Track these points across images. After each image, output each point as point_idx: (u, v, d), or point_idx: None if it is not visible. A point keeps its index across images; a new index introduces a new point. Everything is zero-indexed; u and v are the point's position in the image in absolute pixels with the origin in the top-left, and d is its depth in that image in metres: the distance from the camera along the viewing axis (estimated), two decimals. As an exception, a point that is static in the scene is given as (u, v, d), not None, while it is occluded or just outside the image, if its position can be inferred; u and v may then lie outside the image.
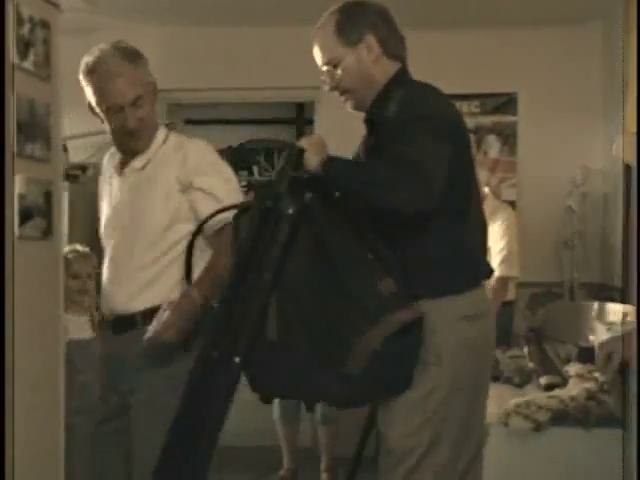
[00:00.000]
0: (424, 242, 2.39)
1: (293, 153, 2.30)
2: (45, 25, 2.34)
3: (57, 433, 2.52)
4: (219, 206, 2.51)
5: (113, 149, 2.73)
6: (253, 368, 2.25)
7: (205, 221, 2.50)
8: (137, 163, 2.72)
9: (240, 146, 9.95)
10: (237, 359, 2.20)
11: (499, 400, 3.33)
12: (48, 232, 2.37)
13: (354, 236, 2.37)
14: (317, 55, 2.52)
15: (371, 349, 2.19)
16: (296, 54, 6.01)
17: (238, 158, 9.90)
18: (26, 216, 2.25)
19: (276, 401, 4.78)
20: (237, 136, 9.93)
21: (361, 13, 2.51)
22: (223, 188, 2.63)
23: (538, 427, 2.97)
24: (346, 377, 2.22)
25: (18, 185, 2.21)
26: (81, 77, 2.72)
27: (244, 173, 9.81)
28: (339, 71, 2.49)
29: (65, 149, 4.21)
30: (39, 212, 2.31)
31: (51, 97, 2.39)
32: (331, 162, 2.30)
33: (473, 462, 2.40)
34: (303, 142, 2.31)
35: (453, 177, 2.29)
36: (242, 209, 2.40)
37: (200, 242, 2.55)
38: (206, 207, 2.55)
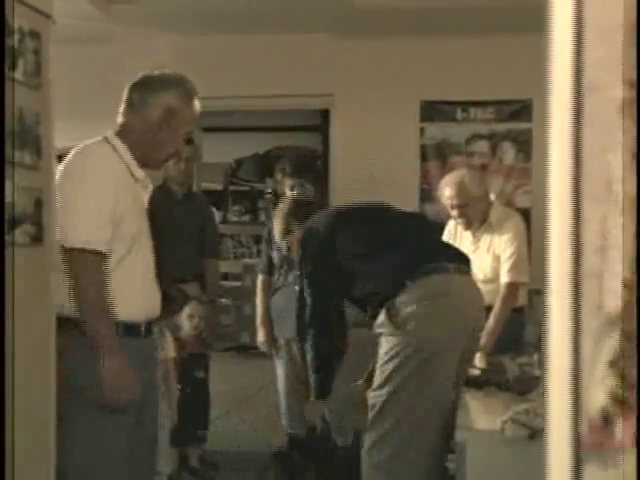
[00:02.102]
0: (386, 274, 3.31)
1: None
2: (35, 35, 2.38)
3: (48, 446, 2.54)
4: None
5: (125, 156, 2.87)
6: None
7: None
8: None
9: (266, 153, 10.01)
10: None
11: (501, 408, 3.31)
12: (38, 239, 2.41)
13: None
14: None
15: None
16: (311, 62, 6.10)
17: (264, 165, 9.95)
18: (15, 223, 2.29)
19: (282, 406, 4.82)
20: (263, 143, 9.97)
21: None
22: None
23: (533, 435, 2.95)
24: None
25: (6, 192, 2.24)
26: (181, 95, 2.94)
27: (270, 180, 9.84)
28: None
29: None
30: (28, 219, 2.35)
31: (42, 106, 2.42)
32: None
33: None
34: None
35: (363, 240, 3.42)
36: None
37: None
38: None
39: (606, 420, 0.95)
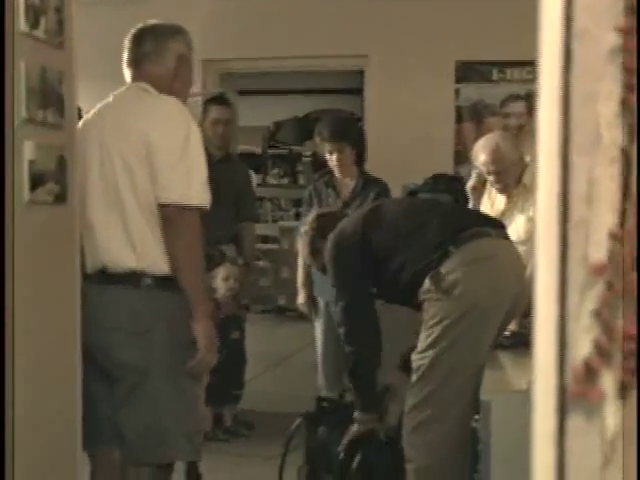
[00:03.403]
0: (429, 246, 3.28)
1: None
2: (57, -7, 2.39)
3: (73, 406, 2.58)
4: None
5: None
6: None
7: None
8: None
9: (305, 116, 9.98)
10: None
11: (528, 369, 3.30)
12: (61, 197, 2.43)
13: None
14: None
15: None
16: (344, 23, 6.05)
17: (303, 128, 9.93)
18: (37, 181, 2.31)
19: (319, 367, 4.85)
20: (302, 106, 9.95)
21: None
22: None
23: (560, 395, 2.94)
24: None
25: (28, 151, 2.27)
26: (187, 44, 2.96)
27: (310, 143, 9.84)
28: None
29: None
30: (51, 177, 2.38)
31: (64, 64, 2.44)
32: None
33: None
34: None
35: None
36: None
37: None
38: None
39: (590, 370, 0.95)
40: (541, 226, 0.98)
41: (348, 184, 4.80)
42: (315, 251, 3.70)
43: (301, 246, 3.86)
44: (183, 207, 2.69)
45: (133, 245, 2.73)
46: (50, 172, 2.37)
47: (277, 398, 5.91)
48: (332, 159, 4.75)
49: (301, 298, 5.03)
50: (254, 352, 5.49)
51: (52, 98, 2.38)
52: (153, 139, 2.69)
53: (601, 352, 0.94)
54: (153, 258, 2.73)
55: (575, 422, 0.97)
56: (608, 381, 0.95)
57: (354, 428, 3.43)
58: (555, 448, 0.98)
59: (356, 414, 3.46)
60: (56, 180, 2.40)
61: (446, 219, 3.42)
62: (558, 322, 0.97)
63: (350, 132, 4.81)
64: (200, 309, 2.74)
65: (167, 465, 2.89)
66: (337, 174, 4.81)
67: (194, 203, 2.71)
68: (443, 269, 3.18)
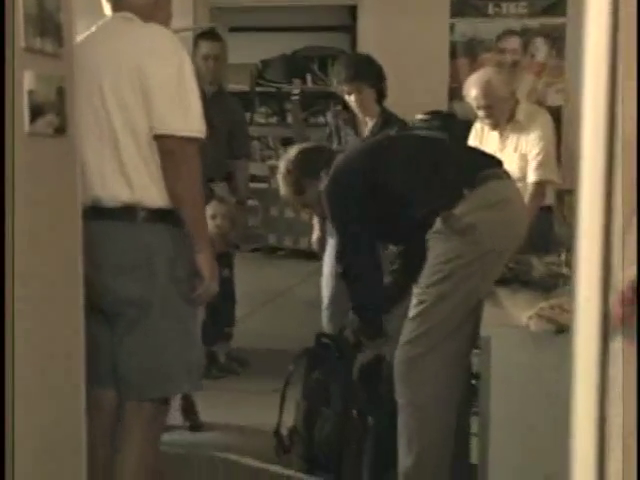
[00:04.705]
0: (443, 186, 3.23)
1: None
2: None
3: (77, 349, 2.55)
4: None
5: None
6: None
7: None
8: None
9: (293, 54, 9.87)
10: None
11: (527, 304, 3.30)
12: (61, 129, 2.38)
13: None
14: None
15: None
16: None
17: (291, 66, 9.83)
18: (37, 112, 2.25)
19: (324, 304, 4.83)
20: (290, 44, 9.82)
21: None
22: None
23: (560, 329, 2.94)
24: None
25: (27, 81, 2.21)
26: None
27: (298, 81, 9.75)
28: None
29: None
30: (51, 108, 2.32)
31: (62, -8, 2.37)
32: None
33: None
34: None
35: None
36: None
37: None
38: None
39: (635, 293, 0.93)
40: (587, 145, 0.95)
41: (368, 123, 4.77)
42: (300, 190, 3.52)
43: (282, 183, 3.55)
44: (183, 139, 2.66)
45: (128, 178, 2.71)
46: (50, 103, 2.30)
47: (268, 335, 5.93)
48: (351, 100, 4.71)
49: (314, 236, 5.03)
50: (244, 291, 5.49)
51: (50, 26, 2.30)
52: (146, 69, 2.66)
53: (647, 276, 0.92)
54: (148, 191, 2.71)
55: (618, 347, 0.95)
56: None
57: (363, 355, 3.43)
58: (597, 374, 0.96)
59: (363, 340, 3.46)
60: (56, 112, 2.34)
61: (458, 160, 3.38)
62: (603, 241, 0.94)
63: (367, 71, 4.73)
64: (202, 240, 2.75)
65: (164, 400, 2.89)
66: (358, 114, 4.78)
67: (193, 134, 2.69)
68: (457, 211, 3.12)
